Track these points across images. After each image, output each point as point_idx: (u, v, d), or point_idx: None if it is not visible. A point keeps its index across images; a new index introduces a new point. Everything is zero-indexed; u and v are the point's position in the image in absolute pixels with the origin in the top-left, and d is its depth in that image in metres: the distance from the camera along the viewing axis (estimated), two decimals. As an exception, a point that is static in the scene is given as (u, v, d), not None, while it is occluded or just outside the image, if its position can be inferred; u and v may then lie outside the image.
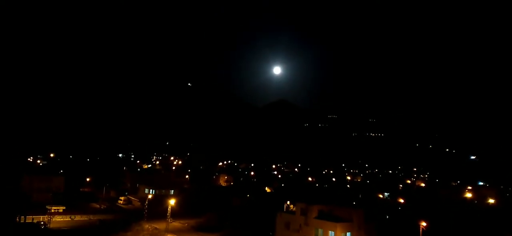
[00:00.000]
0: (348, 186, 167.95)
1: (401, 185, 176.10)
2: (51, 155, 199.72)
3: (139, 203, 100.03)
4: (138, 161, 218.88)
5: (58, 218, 79.21)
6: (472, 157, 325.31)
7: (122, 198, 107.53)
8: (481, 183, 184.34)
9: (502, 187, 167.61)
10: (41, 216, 75.77)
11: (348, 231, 62.51)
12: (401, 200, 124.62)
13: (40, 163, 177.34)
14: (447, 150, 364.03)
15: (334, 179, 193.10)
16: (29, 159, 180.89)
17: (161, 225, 77.46)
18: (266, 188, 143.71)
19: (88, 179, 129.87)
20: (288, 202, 76.49)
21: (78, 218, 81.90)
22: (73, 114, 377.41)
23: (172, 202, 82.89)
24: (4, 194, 73.42)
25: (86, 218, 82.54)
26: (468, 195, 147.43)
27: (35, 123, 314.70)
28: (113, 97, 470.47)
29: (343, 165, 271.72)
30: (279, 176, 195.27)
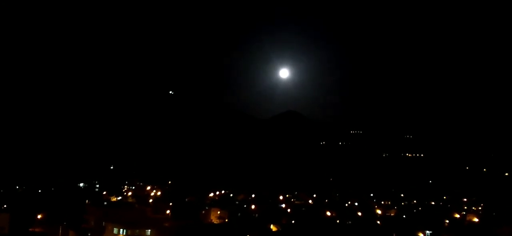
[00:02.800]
0: (378, 222, 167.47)
1: (447, 221, 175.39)
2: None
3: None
4: (104, 192, 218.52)
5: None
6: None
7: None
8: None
9: None
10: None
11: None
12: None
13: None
14: (507, 174, 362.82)
15: (359, 213, 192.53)
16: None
17: (135, 276, 77.27)
18: (272, 226, 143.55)
19: (39, 216, 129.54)
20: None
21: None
22: (20, 133, 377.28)
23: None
24: None
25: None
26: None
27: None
28: (71, 110, 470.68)
29: (372, 195, 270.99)
30: (288, 210, 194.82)
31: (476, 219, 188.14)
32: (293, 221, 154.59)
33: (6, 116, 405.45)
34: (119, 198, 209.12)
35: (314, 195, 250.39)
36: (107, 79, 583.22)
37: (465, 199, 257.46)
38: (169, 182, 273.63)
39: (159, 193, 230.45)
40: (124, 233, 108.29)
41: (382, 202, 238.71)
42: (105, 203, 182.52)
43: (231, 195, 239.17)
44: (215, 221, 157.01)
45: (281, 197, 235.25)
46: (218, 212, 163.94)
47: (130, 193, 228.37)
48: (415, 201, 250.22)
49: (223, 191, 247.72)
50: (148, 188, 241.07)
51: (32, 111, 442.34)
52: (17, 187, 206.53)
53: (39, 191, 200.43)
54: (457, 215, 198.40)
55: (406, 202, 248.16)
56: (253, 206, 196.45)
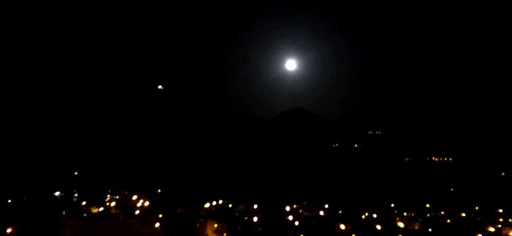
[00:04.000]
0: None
1: (480, 235, 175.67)
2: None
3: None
4: (84, 203, 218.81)
5: None
6: None
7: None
8: None
9: None
10: None
11: None
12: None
13: None
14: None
15: (378, 227, 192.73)
16: None
17: None
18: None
19: (9, 230, 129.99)
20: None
21: None
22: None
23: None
24: None
25: None
26: None
27: None
28: (47, 108, 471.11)
29: (392, 205, 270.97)
30: (296, 222, 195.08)
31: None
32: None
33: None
34: (101, 209, 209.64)
35: (326, 206, 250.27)
36: (90, 74, 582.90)
37: (501, 210, 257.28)
38: (159, 190, 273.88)
39: (147, 203, 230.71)
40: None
41: (405, 214, 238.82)
42: (85, 215, 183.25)
43: (230, 205, 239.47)
44: (211, 235, 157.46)
45: (287, 208, 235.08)
46: (215, 226, 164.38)
47: (113, 204, 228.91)
48: (442, 213, 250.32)
49: (220, 201, 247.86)
50: (135, 197, 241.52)
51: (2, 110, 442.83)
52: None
53: (9, 201, 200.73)
54: (492, 229, 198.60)
55: (432, 214, 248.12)
56: (255, 219, 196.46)
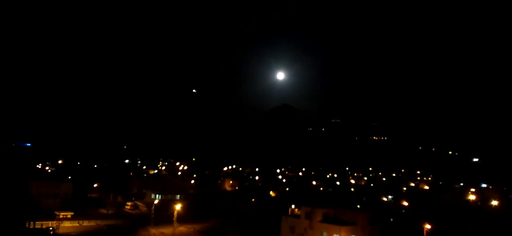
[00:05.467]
0: (352, 189, 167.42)
1: (405, 188, 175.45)
2: (59, 161, 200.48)
3: (145, 208, 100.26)
4: (144, 167, 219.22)
5: (66, 224, 79.68)
6: (475, 159, 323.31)
7: (129, 203, 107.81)
8: (484, 185, 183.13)
9: (505, 188, 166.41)
10: (50, 222, 76.33)
11: (353, 234, 62.48)
12: (405, 203, 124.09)
13: (48, 169, 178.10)
14: (450, 152, 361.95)
15: (338, 183, 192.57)
16: (37, 165, 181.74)
17: (167, 230, 77.71)
18: (271, 192, 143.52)
19: (95, 185, 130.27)
20: (293, 206, 76.57)
21: (86, 223, 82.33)
22: (81, 121, 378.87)
23: (178, 207, 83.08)
24: (14, 200, 73.86)
25: (94, 224, 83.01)
26: (472, 197, 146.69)
27: (43, 130, 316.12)
28: (120, 104, 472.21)
29: (347, 168, 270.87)
30: (284, 180, 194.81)
31: (426, 187, 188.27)
32: (287, 189, 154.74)
33: (67, 111, 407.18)
34: (156, 171, 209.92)
35: (304, 169, 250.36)
36: (149, 84, 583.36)
37: (418, 172, 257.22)
38: (193, 159, 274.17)
39: (185, 167, 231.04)
40: (159, 198, 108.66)
41: (355, 174, 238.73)
42: (145, 175, 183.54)
43: (240, 169, 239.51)
44: (228, 188, 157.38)
45: (278, 170, 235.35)
46: (230, 182, 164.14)
47: (163, 168, 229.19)
48: (380, 174, 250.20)
49: (234, 166, 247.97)
50: (177, 163, 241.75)
51: (90, 109, 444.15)
52: (78, 163, 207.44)
53: (95, 166, 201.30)
54: (412, 184, 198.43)
55: (374, 174, 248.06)
56: (257, 177, 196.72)
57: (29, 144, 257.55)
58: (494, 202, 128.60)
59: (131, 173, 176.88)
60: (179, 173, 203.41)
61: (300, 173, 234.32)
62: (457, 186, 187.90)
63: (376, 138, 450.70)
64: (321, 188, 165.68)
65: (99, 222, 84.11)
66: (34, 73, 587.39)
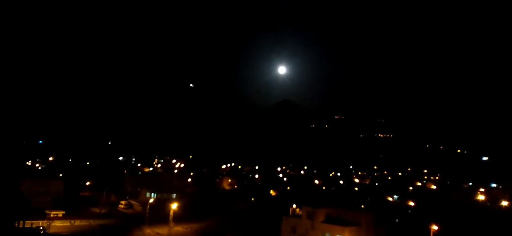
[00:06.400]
0: (356, 188, 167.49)
1: (411, 188, 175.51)
2: (50, 158, 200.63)
3: (140, 207, 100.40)
4: (139, 164, 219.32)
5: (57, 223, 79.85)
6: (484, 158, 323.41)
7: (123, 202, 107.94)
8: (493, 185, 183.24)
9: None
10: (41, 221, 76.49)
11: (357, 235, 62.49)
12: (411, 203, 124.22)
13: (39, 166, 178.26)
14: (459, 151, 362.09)
15: (341, 182, 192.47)
16: (28, 162, 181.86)
17: (163, 230, 77.84)
18: (271, 192, 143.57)
19: (88, 183, 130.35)
20: (294, 206, 76.64)
21: (78, 223, 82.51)
22: (72, 117, 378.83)
23: (174, 206, 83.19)
24: (3, 199, 73.92)
25: (86, 223, 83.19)
26: (481, 197, 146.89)
27: (34, 126, 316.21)
28: (113, 99, 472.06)
29: (351, 167, 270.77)
30: (285, 179, 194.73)
31: (434, 187, 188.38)
32: (288, 188, 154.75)
33: (58, 107, 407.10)
34: (151, 169, 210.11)
35: (305, 167, 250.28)
36: (144, 79, 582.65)
37: (425, 171, 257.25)
38: (190, 156, 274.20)
39: (182, 165, 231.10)
40: (155, 196, 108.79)
41: (359, 173, 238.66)
42: (140, 173, 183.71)
43: (239, 167, 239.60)
44: (226, 187, 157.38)
45: (278, 169, 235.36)
46: (229, 181, 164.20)
47: (159, 165, 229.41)
48: (385, 172, 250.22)
49: (233, 164, 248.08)
50: (174, 161, 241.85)
51: (82, 104, 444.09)
52: (70, 160, 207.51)
53: (88, 163, 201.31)
54: (419, 184, 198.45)
55: (378, 173, 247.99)
56: (256, 176, 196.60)
57: (19, 141, 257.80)
58: (504, 203, 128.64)
59: (125, 171, 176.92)
60: (176, 171, 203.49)
61: (302, 172, 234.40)
62: (465, 185, 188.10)
63: (381, 136, 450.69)
64: (324, 187, 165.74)
65: (91, 221, 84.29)
66: (23, 68, 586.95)
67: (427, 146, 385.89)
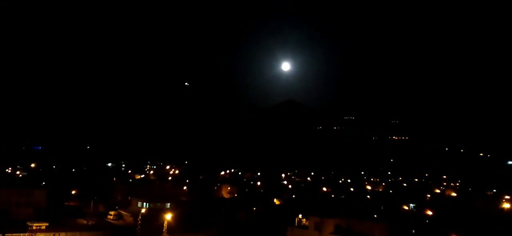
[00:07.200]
0: (368, 196, 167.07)
1: (428, 195, 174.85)
2: (32, 165, 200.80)
3: (131, 218, 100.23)
4: (129, 171, 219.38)
5: (40, 236, 79.70)
6: (510, 162, 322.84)
7: (112, 213, 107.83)
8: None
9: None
10: (21, 234, 76.32)
11: (369, 248, 62.32)
12: (429, 212, 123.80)
13: (19, 174, 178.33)
14: (481, 154, 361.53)
15: (352, 189, 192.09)
16: (7, 170, 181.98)
17: (156, 243, 77.62)
18: (275, 200, 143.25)
19: (73, 192, 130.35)
20: (300, 216, 76.45)
21: (62, 235, 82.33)
22: (56, 120, 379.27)
23: (168, 216, 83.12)
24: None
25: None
26: (506, 205, 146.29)
27: (14, 130, 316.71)
28: (100, 99, 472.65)
29: (362, 173, 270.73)
30: (289, 186, 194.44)
31: (454, 194, 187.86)
32: (293, 196, 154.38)
33: (41, 109, 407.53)
34: (142, 176, 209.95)
35: (312, 173, 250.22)
36: (135, 77, 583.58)
37: (444, 176, 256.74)
38: (186, 162, 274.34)
39: (177, 171, 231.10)
40: (147, 206, 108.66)
41: (372, 179, 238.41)
42: (130, 180, 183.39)
43: (240, 173, 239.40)
44: (225, 195, 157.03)
45: (283, 175, 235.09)
46: (228, 188, 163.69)
47: (152, 172, 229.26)
48: (400, 178, 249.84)
49: (232, 170, 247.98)
50: (168, 167, 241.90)
51: (67, 105, 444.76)
52: (54, 166, 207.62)
53: (73, 170, 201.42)
54: (437, 190, 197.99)
55: (393, 179, 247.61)
56: (258, 183, 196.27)
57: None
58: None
59: (114, 178, 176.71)
60: (170, 178, 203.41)
61: (309, 178, 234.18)
62: (489, 192, 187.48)
63: (396, 138, 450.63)
64: (333, 195, 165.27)
65: (77, 234, 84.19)
66: (6, 68, 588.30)
67: (446, 149, 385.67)
